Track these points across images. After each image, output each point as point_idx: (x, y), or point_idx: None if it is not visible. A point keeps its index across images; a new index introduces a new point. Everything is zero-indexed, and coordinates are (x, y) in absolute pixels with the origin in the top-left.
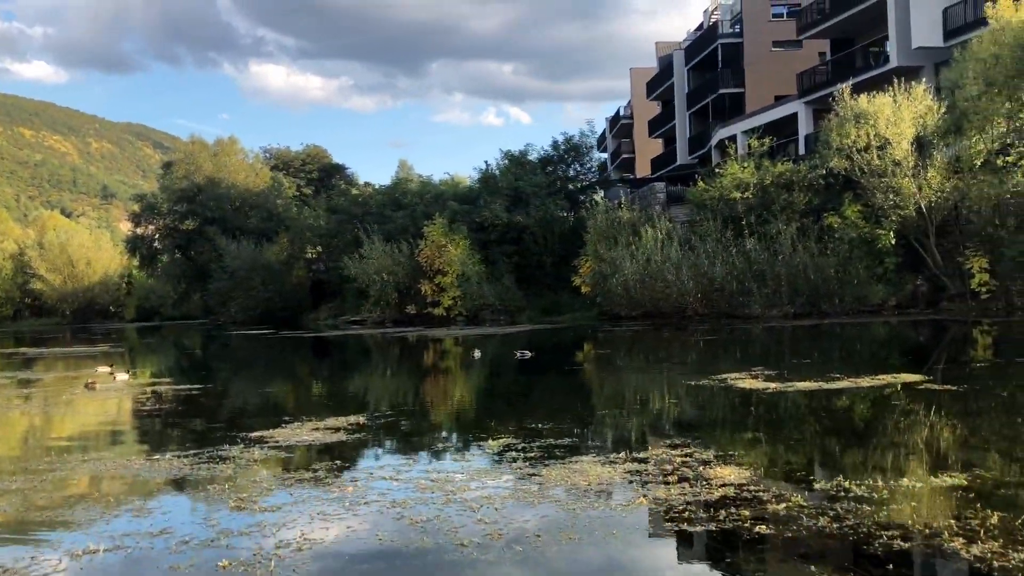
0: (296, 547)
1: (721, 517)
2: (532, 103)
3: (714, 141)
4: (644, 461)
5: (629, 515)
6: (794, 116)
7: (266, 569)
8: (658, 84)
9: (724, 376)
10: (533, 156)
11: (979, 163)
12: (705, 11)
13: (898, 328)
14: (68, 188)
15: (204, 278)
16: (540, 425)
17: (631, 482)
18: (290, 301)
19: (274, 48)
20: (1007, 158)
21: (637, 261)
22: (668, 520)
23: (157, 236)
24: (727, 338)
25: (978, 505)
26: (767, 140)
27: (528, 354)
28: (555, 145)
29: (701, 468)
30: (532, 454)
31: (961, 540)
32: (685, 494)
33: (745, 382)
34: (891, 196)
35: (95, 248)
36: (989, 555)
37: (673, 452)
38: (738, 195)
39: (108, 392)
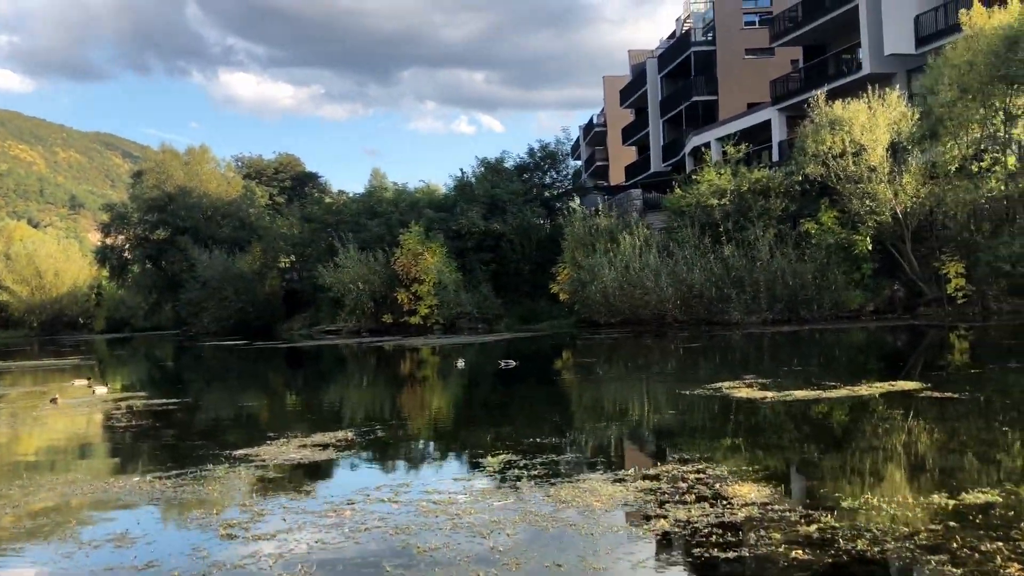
0: None
1: (752, 541)
2: (504, 111)
3: (688, 148)
4: (656, 478)
5: (653, 540)
6: (768, 123)
7: None
8: (631, 92)
9: (718, 385)
10: (509, 163)
11: (954, 169)
12: (678, 19)
13: (878, 334)
14: (35, 198)
15: (176, 288)
16: (538, 439)
17: (647, 502)
18: (263, 311)
19: (244, 56)
20: (981, 164)
21: (616, 268)
22: (696, 545)
23: (127, 246)
24: (710, 345)
25: (1023, 524)
26: (743, 146)
27: (512, 363)
28: (531, 152)
29: (718, 486)
30: (535, 472)
31: (1017, 566)
32: (707, 515)
33: (741, 391)
34: (867, 202)
35: (63, 259)
36: None
37: (684, 468)
38: (715, 202)
39: (81, 407)
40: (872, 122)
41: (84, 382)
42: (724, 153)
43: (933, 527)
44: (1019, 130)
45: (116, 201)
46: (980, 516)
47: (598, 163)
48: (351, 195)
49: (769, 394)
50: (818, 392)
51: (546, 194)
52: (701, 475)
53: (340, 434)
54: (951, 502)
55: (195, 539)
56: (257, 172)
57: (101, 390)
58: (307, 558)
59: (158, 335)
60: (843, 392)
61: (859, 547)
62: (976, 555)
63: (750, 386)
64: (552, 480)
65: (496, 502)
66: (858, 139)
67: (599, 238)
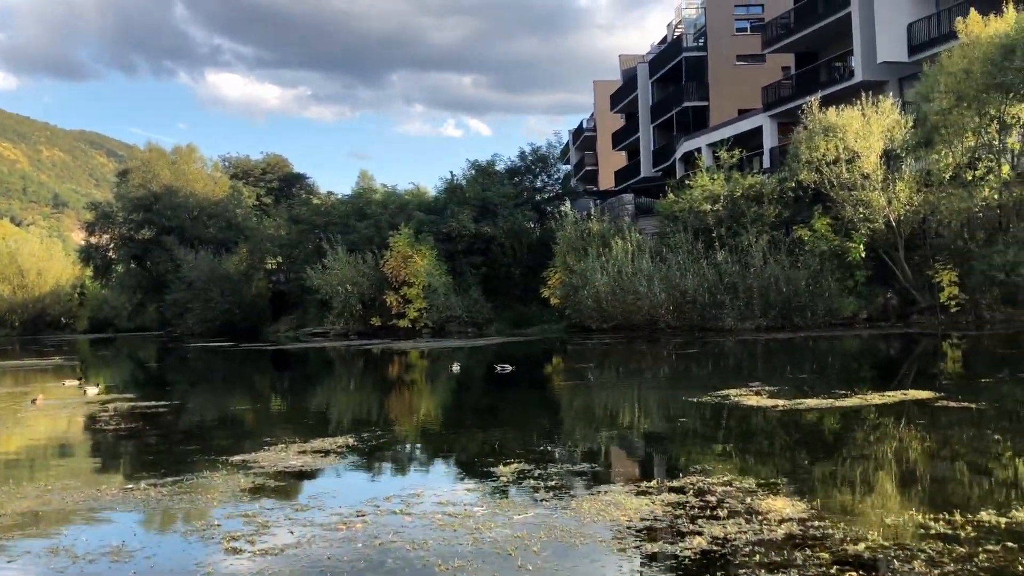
0: None
1: (799, 561)
2: (492, 115)
3: (679, 154)
4: (681, 491)
5: (693, 560)
6: (759, 129)
7: None
8: (622, 97)
9: (725, 393)
10: (500, 167)
11: (948, 177)
12: (669, 25)
13: (874, 342)
14: (18, 196)
15: (160, 289)
16: (549, 448)
17: (677, 517)
18: (249, 313)
19: (231, 57)
20: (975, 172)
21: (608, 273)
22: (740, 566)
23: (112, 245)
24: (705, 352)
25: None
26: (737, 152)
27: (508, 368)
28: (522, 156)
29: (748, 500)
30: (552, 482)
31: None
32: (744, 532)
33: (750, 399)
34: (860, 209)
35: (46, 257)
36: None
37: (709, 480)
38: (709, 207)
39: (65, 409)
40: (866, 129)
41: (75, 382)
42: (717, 158)
43: (991, 548)
44: (1013, 139)
45: (101, 200)
46: None
47: (588, 168)
48: (340, 196)
49: (780, 402)
50: (830, 401)
51: (537, 198)
52: (728, 488)
53: (340, 440)
54: (1001, 520)
55: (198, 553)
56: (244, 172)
57: (92, 391)
58: None
59: (142, 336)
60: (855, 401)
61: (916, 569)
62: None
63: (758, 394)
64: (571, 492)
65: (516, 516)
66: (852, 146)
67: (591, 242)
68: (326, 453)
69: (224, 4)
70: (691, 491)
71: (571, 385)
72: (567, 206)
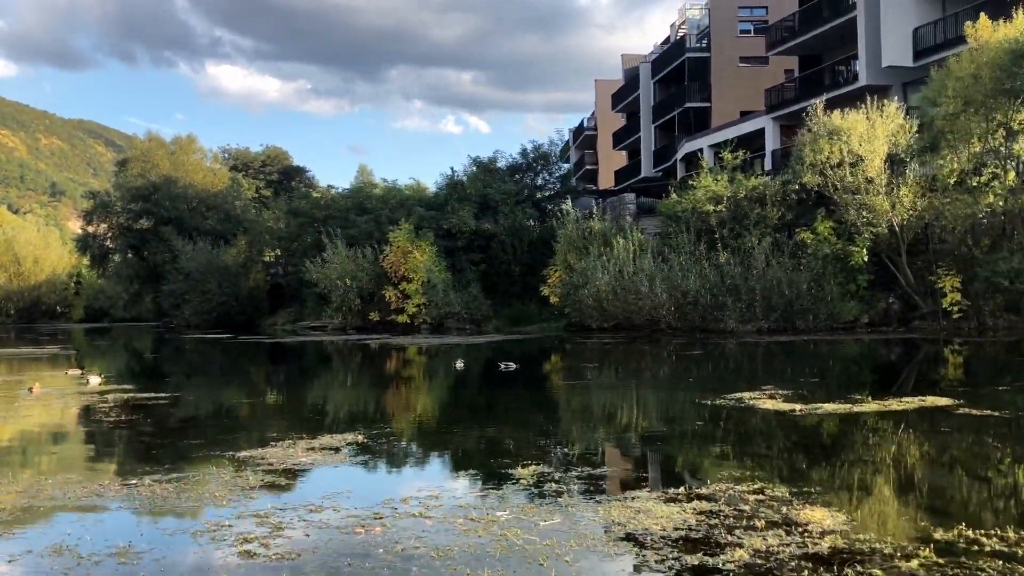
0: None
1: None
2: (491, 112)
3: (680, 154)
4: (711, 499)
5: (737, 575)
6: (761, 131)
7: None
8: (624, 96)
9: (738, 396)
10: (501, 164)
11: (952, 182)
12: (672, 25)
13: (878, 347)
14: (15, 184)
15: (157, 279)
16: (566, 450)
17: (712, 527)
18: (246, 305)
19: (231, 49)
20: (980, 178)
21: (609, 272)
22: None
23: (109, 235)
24: (710, 354)
25: None
26: (740, 153)
27: (513, 366)
28: (524, 153)
29: (784, 509)
30: (574, 486)
31: None
32: (787, 545)
33: (765, 403)
34: (864, 213)
35: (43, 246)
36: None
37: (739, 488)
38: (711, 208)
39: (63, 399)
40: (870, 133)
41: (78, 372)
42: (721, 159)
43: None
44: (1020, 145)
45: (99, 189)
46: None
47: (587, 166)
48: (339, 190)
49: (797, 407)
50: (848, 406)
51: (538, 195)
52: (760, 496)
53: (348, 436)
54: None
55: (210, 556)
56: (244, 164)
57: (94, 380)
58: None
59: (137, 326)
60: (874, 406)
61: None
62: None
63: (772, 397)
64: (596, 497)
65: (543, 521)
66: (856, 150)
67: (593, 241)
68: (335, 450)
69: None
70: (722, 499)
71: (578, 385)
72: (568, 204)
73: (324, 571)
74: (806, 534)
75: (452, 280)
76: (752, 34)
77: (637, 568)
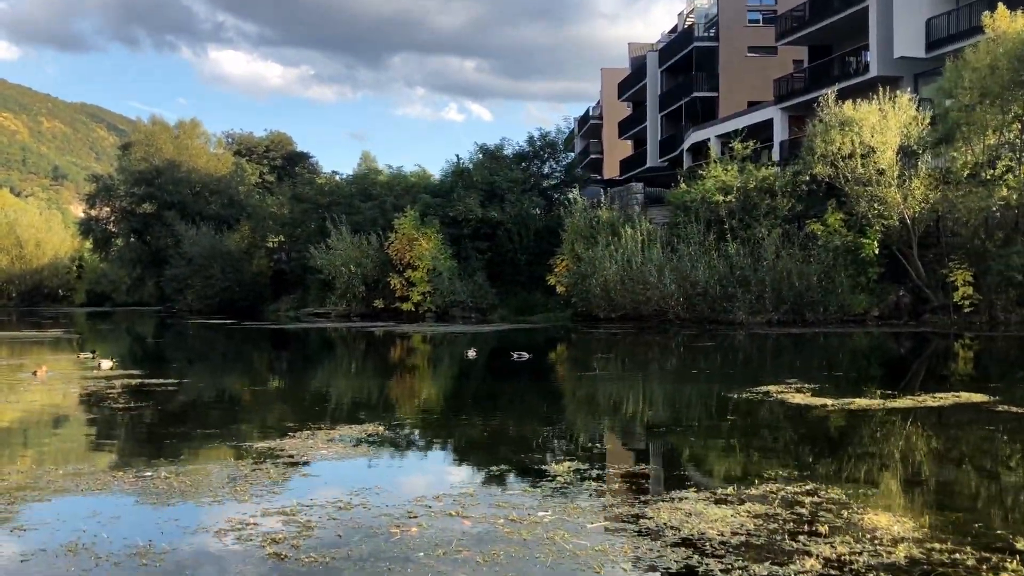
0: None
1: None
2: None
3: (686, 144)
4: (763, 500)
5: None
6: (769, 122)
7: None
8: (630, 85)
9: (764, 389)
10: (508, 151)
11: (965, 174)
12: (680, 14)
13: (892, 340)
14: (17, 167)
15: (160, 264)
16: (599, 445)
17: (773, 532)
18: (249, 291)
19: (234, 34)
20: (993, 171)
21: (617, 262)
22: None
23: (112, 219)
24: (723, 345)
25: None
26: (751, 143)
27: (526, 356)
28: (531, 141)
29: (845, 513)
30: (614, 485)
31: None
32: (859, 553)
33: (794, 397)
34: (875, 205)
35: (45, 229)
36: None
37: (791, 489)
38: (721, 198)
39: (70, 384)
40: (882, 124)
41: (89, 355)
42: (730, 149)
43: None
44: None
45: (101, 173)
46: None
47: (592, 156)
48: (344, 176)
49: (828, 402)
50: (880, 401)
51: (544, 184)
52: (816, 498)
53: (368, 427)
54: None
55: (237, 559)
56: (248, 149)
57: (106, 364)
58: None
59: (139, 311)
60: (908, 402)
61: None
62: None
63: (800, 391)
64: (640, 497)
65: (589, 524)
66: (867, 141)
67: (601, 231)
68: (357, 442)
69: None
70: (775, 501)
71: (595, 377)
72: (576, 193)
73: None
74: (877, 542)
75: (457, 268)
76: (760, 24)
77: None
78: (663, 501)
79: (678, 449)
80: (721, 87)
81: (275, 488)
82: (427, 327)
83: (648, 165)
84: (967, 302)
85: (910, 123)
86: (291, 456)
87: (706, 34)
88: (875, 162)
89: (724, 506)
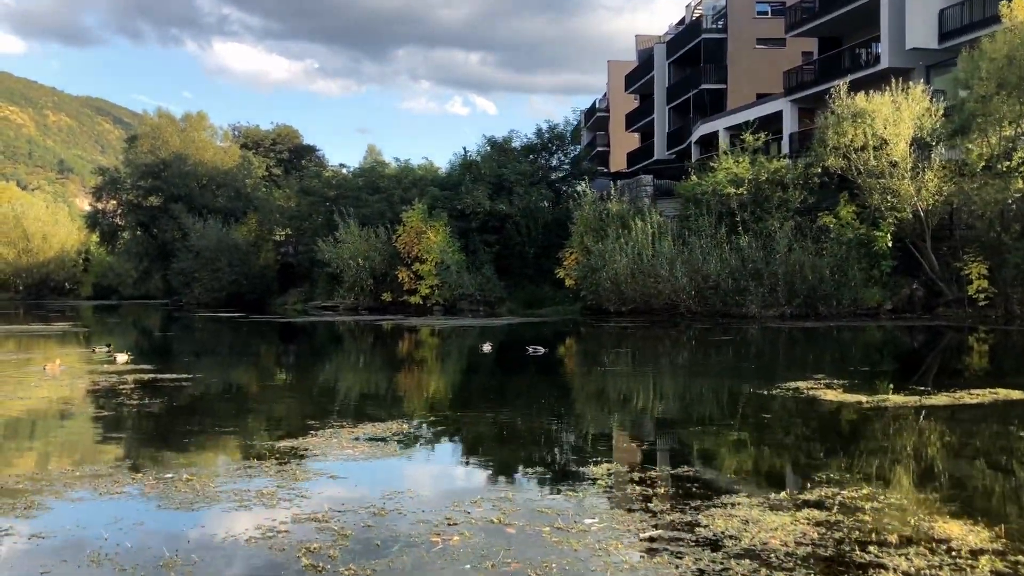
0: None
1: None
2: (498, 94)
3: (695, 136)
4: (819, 506)
5: None
6: (778, 114)
7: None
8: (638, 77)
9: (792, 385)
10: (516, 144)
11: (981, 166)
12: (688, 6)
13: (909, 334)
14: (23, 160)
15: (167, 257)
16: (632, 444)
17: (840, 542)
18: (257, 284)
19: (239, 27)
20: (1009, 163)
21: (627, 255)
22: None
23: (119, 212)
24: (741, 339)
25: None
26: (762, 135)
27: (541, 350)
28: (539, 133)
29: (912, 520)
30: (660, 489)
31: None
32: (938, 567)
33: (826, 394)
34: (888, 198)
35: (52, 222)
36: None
37: (846, 493)
38: (732, 190)
39: (82, 378)
40: (896, 116)
41: (104, 349)
42: (742, 141)
43: None
44: None
45: (107, 166)
46: None
47: (599, 148)
48: (351, 169)
49: (862, 399)
50: (916, 398)
51: (552, 176)
52: (875, 503)
53: (392, 425)
54: None
55: (273, 571)
56: (254, 142)
57: (121, 358)
58: None
59: (146, 304)
60: (944, 399)
61: None
62: None
63: (830, 387)
64: (688, 502)
65: (642, 533)
66: (880, 133)
67: (610, 223)
68: (382, 441)
69: None
70: (834, 507)
71: (616, 372)
72: (586, 185)
73: None
74: (954, 554)
75: (466, 261)
76: (769, 15)
77: None
78: (714, 507)
79: (717, 449)
80: (729, 79)
81: (304, 492)
82: (435, 320)
83: (656, 157)
84: (982, 295)
85: (923, 115)
86: (316, 456)
87: (714, 26)
88: (888, 154)
89: (781, 512)
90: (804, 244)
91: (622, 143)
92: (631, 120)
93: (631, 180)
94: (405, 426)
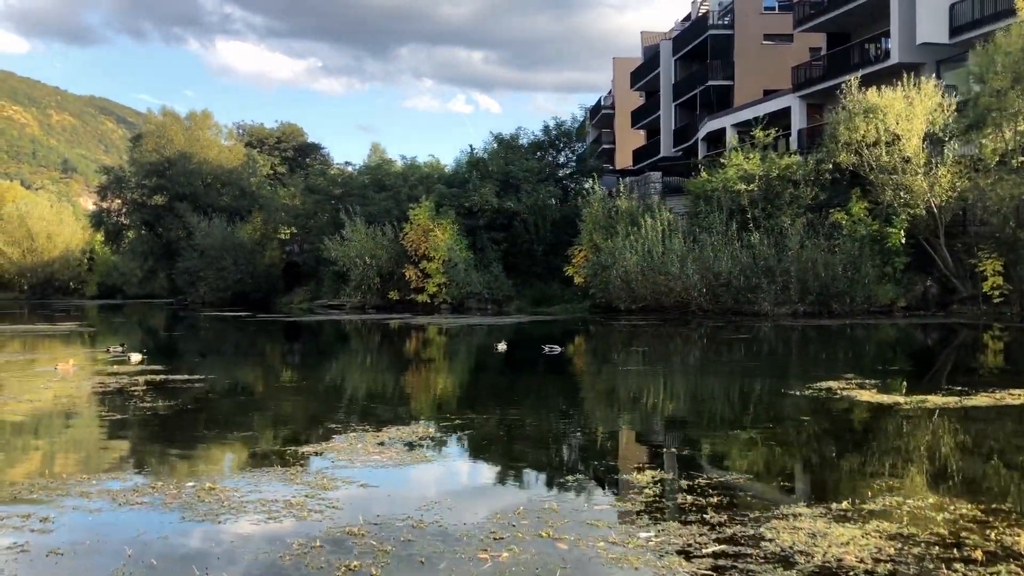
0: None
1: None
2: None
3: (701, 133)
4: (888, 517)
5: None
6: (786, 110)
7: None
8: (643, 74)
9: (824, 385)
10: (523, 141)
11: (995, 161)
12: (694, 2)
13: (925, 331)
14: (27, 160)
15: (172, 256)
16: (672, 448)
17: (920, 559)
18: (262, 283)
19: (241, 26)
20: (1022, 158)
21: (637, 252)
22: None
23: (124, 211)
24: (757, 337)
25: None
26: (773, 131)
27: (557, 349)
28: (546, 130)
29: (991, 533)
30: (710, 497)
31: None
32: None
33: (861, 394)
34: (901, 194)
35: (56, 222)
36: None
37: (913, 503)
38: (743, 187)
39: (93, 379)
40: (908, 111)
41: (119, 348)
42: (752, 137)
43: None
44: None
45: (111, 165)
46: None
47: (604, 146)
48: (356, 167)
49: (900, 399)
50: (955, 399)
51: (559, 173)
52: (947, 514)
53: (417, 428)
54: None
55: None
56: (259, 141)
57: (135, 357)
58: None
59: (151, 303)
60: (984, 399)
61: None
62: None
63: (863, 387)
64: (746, 513)
65: (705, 548)
66: (893, 128)
67: (620, 220)
68: (409, 446)
69: None
70: (903, 518)
71: (639, 372)
72: (595, 183)
73: None
74: None
75: (473, 259)
76: (776, 11)
77: None
78: (774, 518)
79: (762, 454)
80: (736, 75)
81: (334, 502)
82: (443, 319)
83: (662, 154)
84: (997, 292)
85: (935, 110)
86: (342, 463)
87: (721, 22)
88: (900, 150)
89: (848, 524)
90: (816, 241)
91: (627, 140)
92: (637, 117)
93: (639, 177)
94: (430, 429)
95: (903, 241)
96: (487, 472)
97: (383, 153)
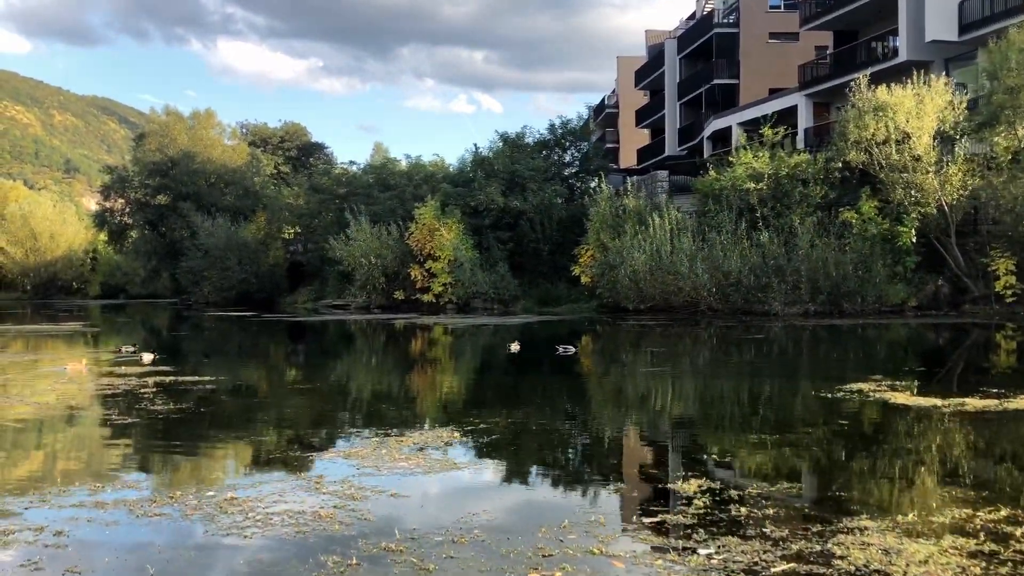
0: None
1: None
2: (503, 92)
3: (707, 132)
4: (961, 531)
5: None
6: (793, 109)
7: None
8: (647, 73)
9: (854, 387)
10: (529, 140)
11: (1008, 160)
12: (699, 0)
13: (940, 331)
14: (30, 160)
15: (175, 256)
16: (714, 456)
17: None
18: (266, 283)
19: (243, 26)
20: None
21: (645, 252)
22: None
23: (127, 210)
24: (771, 337)
25: None
26: (781, 129)
27: (571, 349)
28: (552, 129)
29: None
30: (766, 509)
31: None
32: None
33: (895, 396)
34: (912, 192)
35: (59, 222)
36: None
37: (983, 515)
38: (752, 185)
39: (102, 380)
40: (919, 109)
41: (131, 348)
42: (760, 135)
43: None
44: None
45: (114, 164)
46: None
47: (608, 145)
48: (360, 166)
49: (937, 402)
50: (994, 401)
51: (565, 172)
52: None
53: (441, 433)
54: None
55: None
56: (262, 140)
57: (147, 357)
58: None
59: (155, 303)
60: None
61: None
62: None
63: (895, 389)
64: (807, 526)
65: (774, 568)
66: (903, 126)
67: (627, 219)
68: (435, 451)
69: None
70: (979, 532)
71: (658, 373)
72: (603, 181)
73: None
74: None
75: (479, 259)
76: (782, 9)
77: None
78: (840, 532)
79: (809, 461)
80: (742, 74)
81: (367, 514)
82: (449, 319)
83: (667, 153)
84: (1009, 291)
85: (946, 108)
86: (367, 471)
87: (726, 20)
88: (911, 148)
89: (922, 540)
90: (826, 240)
91: (631, 139)
92: (641, 116)
93: (646, 176)
94: (456, 434)
95: (914, 240)
96: (520, 480)
97: (386, 152)
